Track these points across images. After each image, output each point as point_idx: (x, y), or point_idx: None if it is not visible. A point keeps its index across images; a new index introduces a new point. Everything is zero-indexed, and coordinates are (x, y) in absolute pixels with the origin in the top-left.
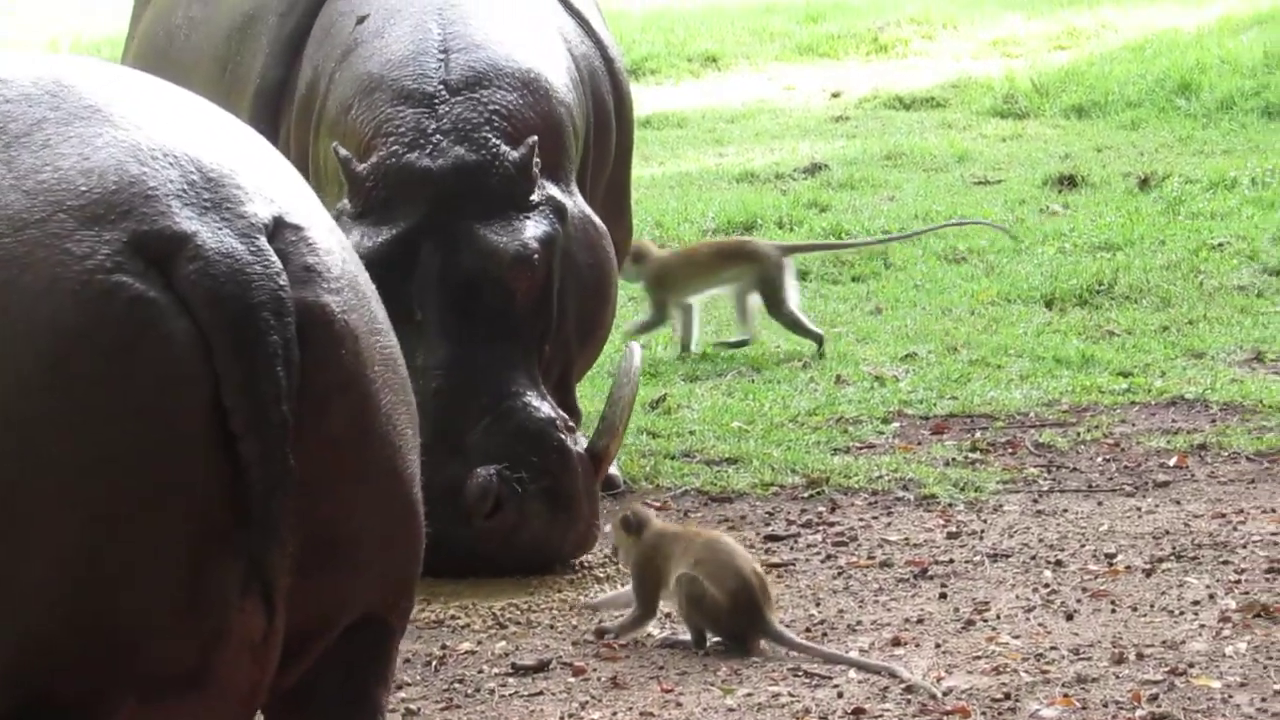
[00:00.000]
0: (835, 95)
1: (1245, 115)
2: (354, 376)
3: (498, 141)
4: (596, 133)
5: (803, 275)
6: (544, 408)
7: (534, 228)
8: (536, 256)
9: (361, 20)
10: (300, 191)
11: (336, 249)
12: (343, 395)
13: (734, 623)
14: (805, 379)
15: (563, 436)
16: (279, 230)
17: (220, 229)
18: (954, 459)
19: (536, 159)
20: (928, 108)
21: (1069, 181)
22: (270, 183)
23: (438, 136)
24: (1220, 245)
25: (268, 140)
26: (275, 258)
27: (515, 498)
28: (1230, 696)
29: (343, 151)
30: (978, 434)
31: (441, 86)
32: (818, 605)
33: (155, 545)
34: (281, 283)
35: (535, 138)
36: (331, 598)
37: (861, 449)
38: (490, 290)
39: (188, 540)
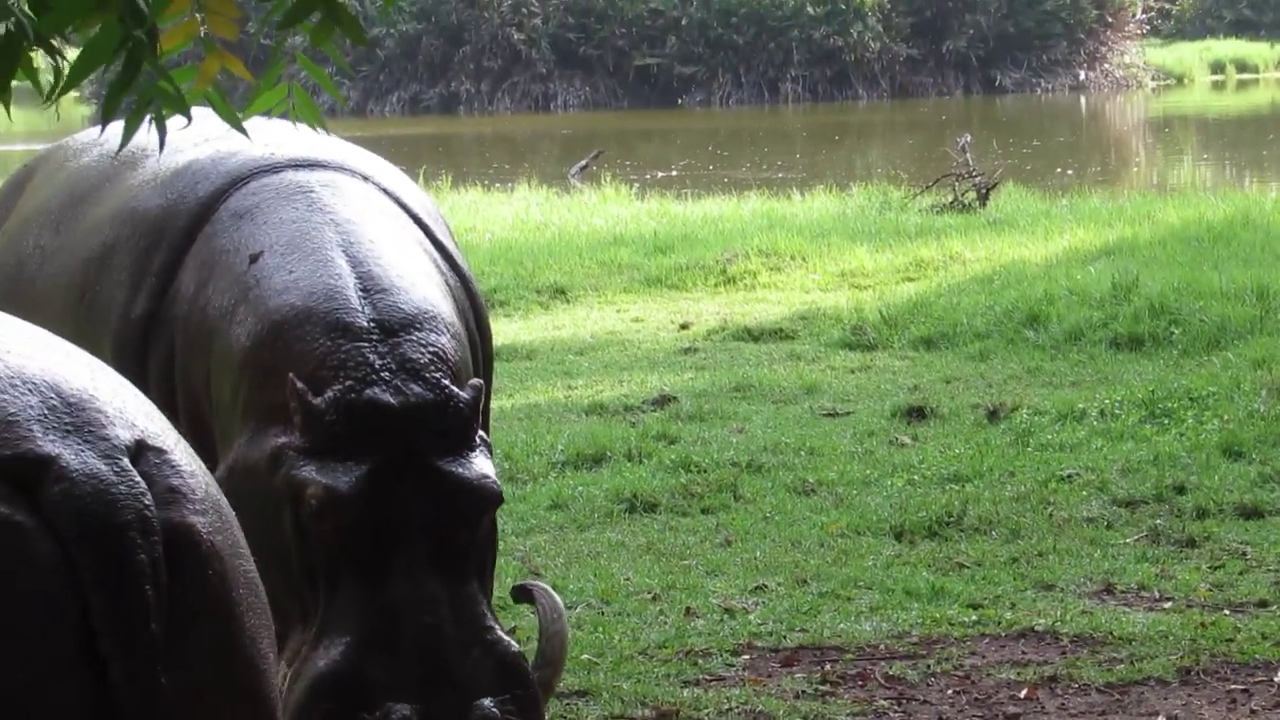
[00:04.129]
0: (684, 327)
1: (1094, 346)
2: (221, 598)
3: (446, 381)
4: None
5: (651, 507)
6: (513, 642)
7: (487, 464)
8: (498, 490)
9: (255, 258)
10: (158, 418)
11: (199, 473)
12: (210, 617)
13: None
14: (655, 611)
15: (532, 672)
16: (141, 453)
17: (83, 451)
18: (804, 691)
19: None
20: (776, 339)
21: (918, 413)
22: (129, 408)
23: (386, 374)
24: (1069, 477)
25: (134, 374)
26: (140, 479)
27: None
28: None
29: (299, 384)
30: (828, 666)
31: (374, 325)
32: None
33: None
34: (147, 503)
35: (480, 380)
36: None
37: (711, 681)
38: (461, 525)
39: None
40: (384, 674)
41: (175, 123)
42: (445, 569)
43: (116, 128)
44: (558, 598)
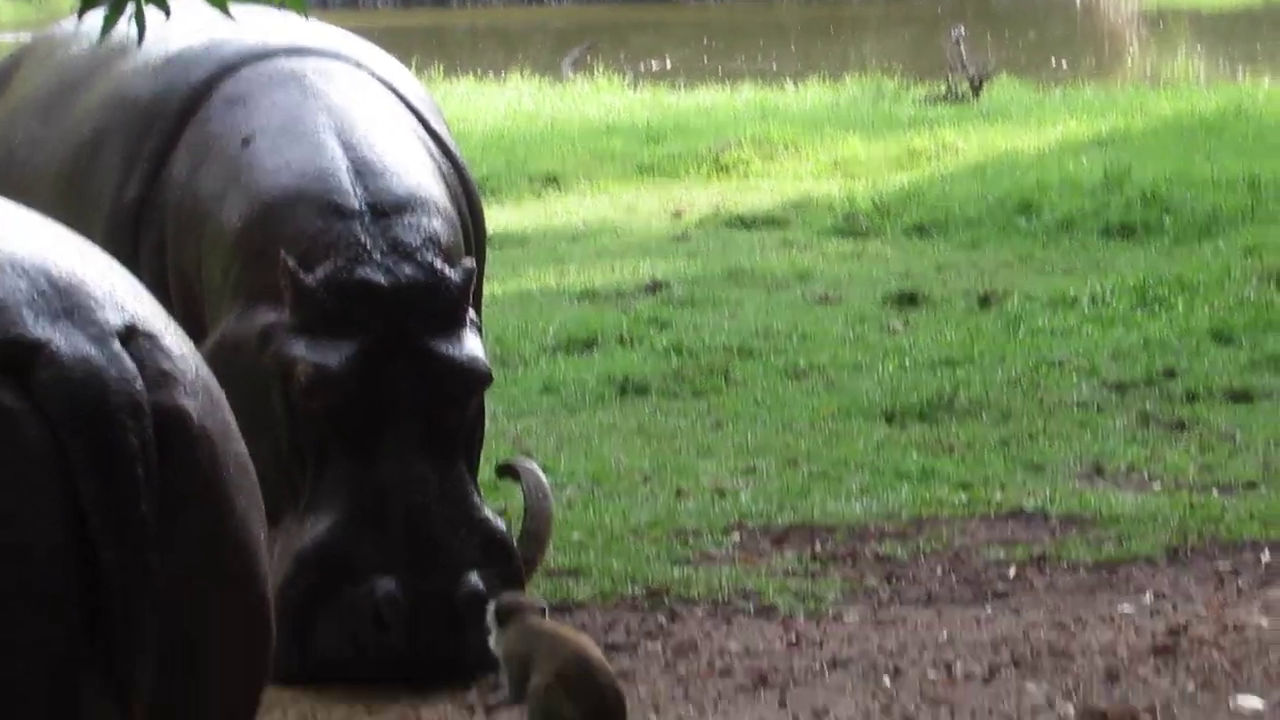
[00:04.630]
0: (676, 215)
1: (1085, 235)
2: (212, 481)
3: (437, 263)
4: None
5: (642, 391)
6: (500, 521)
7: (477, 345)
8: (488, 371)
9: (247, 141)
10: (149, 301)
11: (190, 356)
12: (201, 500)
13: None
14: (645, 492)
15: (520, 550)
16: (132, 336)
17: (74, 335)
18: (794, 570)
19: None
20: (769, 227)
21: (909, 299)
22: (119, 291)
23: (378, 254)
24: (1060, 361)
25: (126, 258)
26: (130, 362)
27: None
28: None
29: (292, 262)
30: (818, 545)
31: (366, 207)
32: (657, 713)
33: (13, 652)
34: (138, 387)
35: (471, 262)
36: (188, 703)
37: (702, 560)
38: (451, 404)
39: (47, 647)
40: (371, 551)
41: (156, 16)
42: (434, 449)
43: (95, 18)
44: (543, 476)
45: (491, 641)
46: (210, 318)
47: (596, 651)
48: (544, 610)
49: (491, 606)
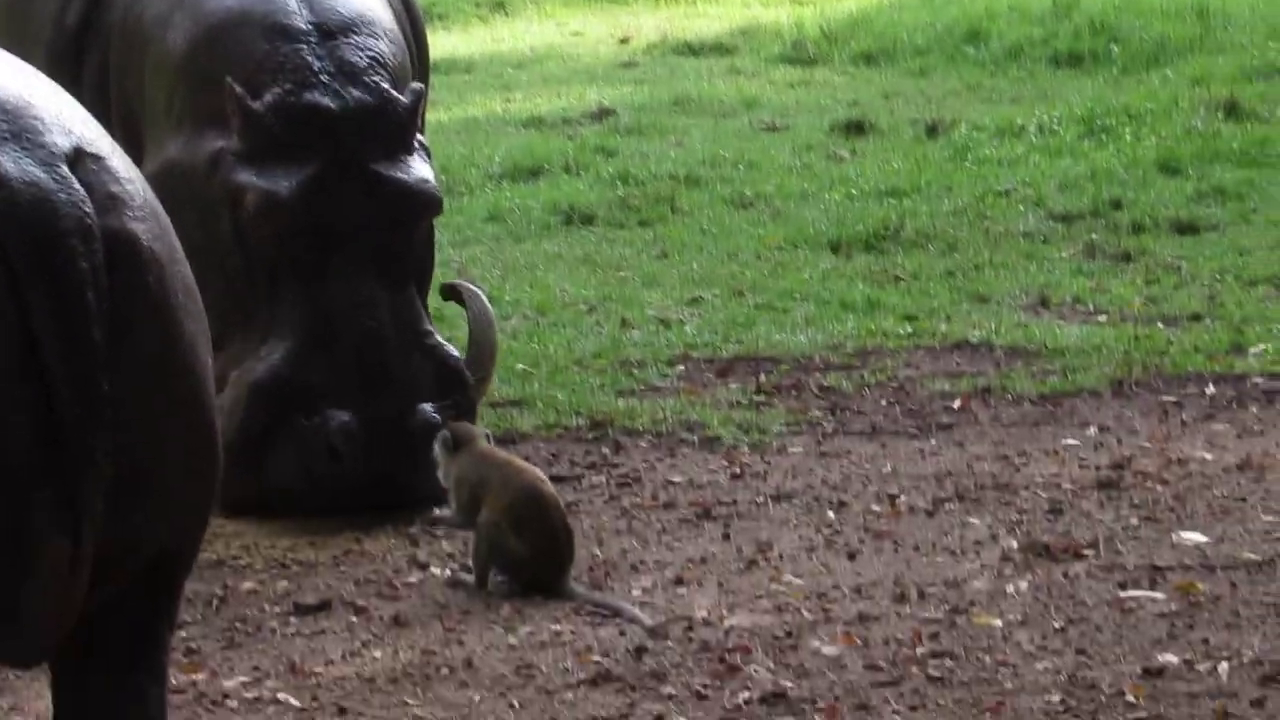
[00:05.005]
0: (623, 41)
1: (1033, 63)
2: (160, 303)
3: (385, 85)
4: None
5: (588, 219)
6: (451, 347)
7: (426, 168)
8: (438, 195)
9: None
10: (94, 125)
11: (136, 179)
12: (150, 322)
13: (531, 577)
14: (591, 322)
15: (470, 376)
16: (80, 160)
17: (21, 159)
18: (739, 401)
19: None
20: (716, 54)
21: (857, 128)
22: (65, 114)
23: (326, 76)
24: (1007, 191)
25: (68, 83)
26: (79, 185)
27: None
28: (1010, 634)
29: (239, 88)
30: (763, 377)
31: (311, 28)
32: (601, 545)
33: None
34: (88, 209)
35: (420, 85)
36: (136, 528)
37: (646, 391)
38: (401, 229)
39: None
40: (323, 379)
41: None
42: (384, 273)
43: None
44: (487, 302)
45: (439, 471)
46: (151, 142)
47: (548, 486)
48: (489, 439)
49: (441, 435)
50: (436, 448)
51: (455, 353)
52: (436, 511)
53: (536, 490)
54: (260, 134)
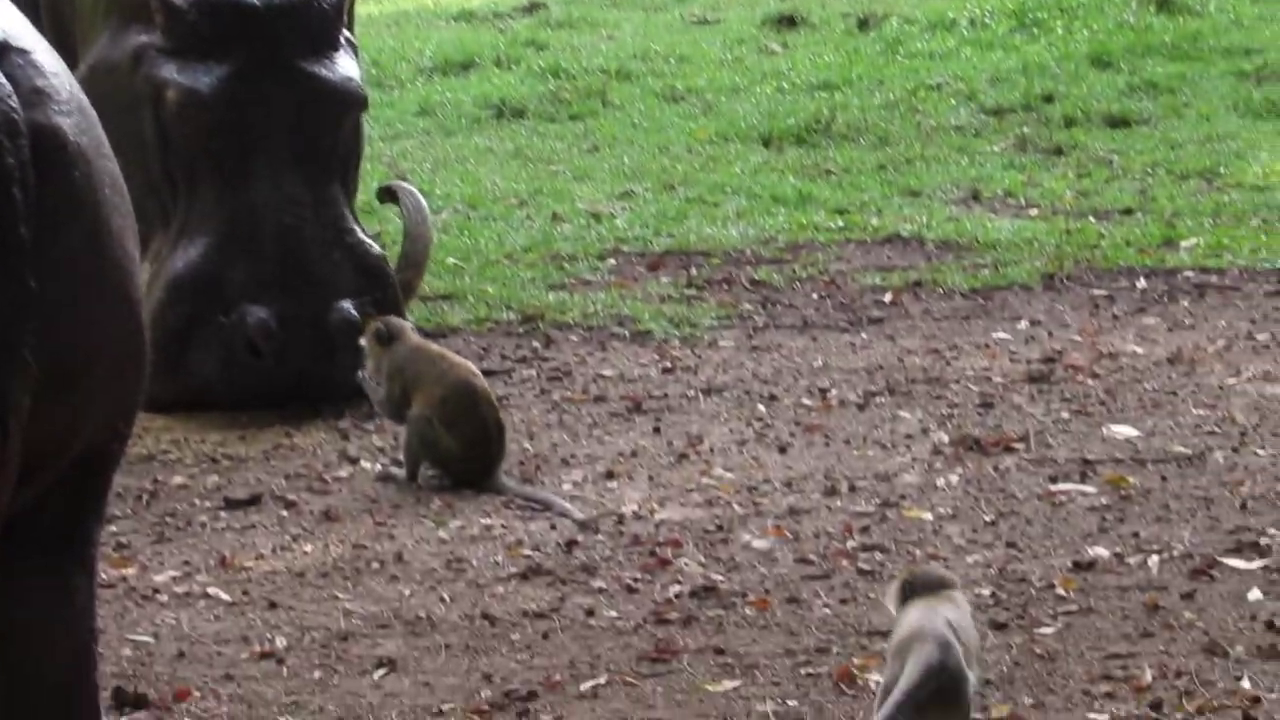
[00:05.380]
0: None
1: None
2: (87, 199)
3: None
4: None
5: (519, 113)
6: (375, 244)
7: (353, 66)
8: (363, 93)
9: None
10: (19, 19)
11: (63, 74)
12: (77, 217)
13: (462, 471)
14: (522, 216)
15: (393, 273)
16: (4, 54)
17: None
18: (669, 295)
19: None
20: None
21: (788, 21)
22: None
23: None
24: (938, 85)
25: None
26: (4, 79)
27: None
28: (941, 528)
29: None
30: (694, 270)
31: None
32: (532, 439)
33: None
34: (13, 104)
35: None
36: (65, 423)
37: (577, 285)
38: (324, 127)
39: None
40: (243, 275)
41: None
42: (307, 171)
43: None
44: (423, 200)
45: (370, 364)
46: (81, 39)
47: (480, 380)
48: (418, 333)
49: (372, 328)
50: (368, 340)
51: (378, 249)
52: (362, 375)
53: (468, 385)
54: (183, 30)
